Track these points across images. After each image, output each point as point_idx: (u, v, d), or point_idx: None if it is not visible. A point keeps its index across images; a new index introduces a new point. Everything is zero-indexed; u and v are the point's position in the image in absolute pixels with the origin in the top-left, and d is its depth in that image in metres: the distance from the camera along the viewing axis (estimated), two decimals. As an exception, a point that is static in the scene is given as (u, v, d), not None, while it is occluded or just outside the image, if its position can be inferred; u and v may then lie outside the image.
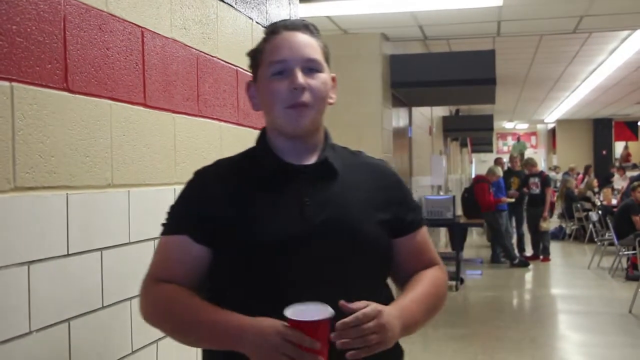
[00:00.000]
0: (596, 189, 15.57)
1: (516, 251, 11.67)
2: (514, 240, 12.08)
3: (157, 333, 1.67)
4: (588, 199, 14.96)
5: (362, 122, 7.10)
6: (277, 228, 1.53)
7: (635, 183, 10.51)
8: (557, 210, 16.26)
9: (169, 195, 2.26)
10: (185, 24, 2.49)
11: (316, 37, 1.65)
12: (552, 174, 17.41)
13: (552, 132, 26.35)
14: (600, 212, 12.53)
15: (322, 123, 1.66)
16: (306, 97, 1.56)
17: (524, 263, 11.25)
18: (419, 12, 6.77)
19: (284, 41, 1.60)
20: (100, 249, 1.99)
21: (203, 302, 1.51)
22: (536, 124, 26.24)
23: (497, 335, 6.71)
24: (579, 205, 14.58)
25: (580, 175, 18.62)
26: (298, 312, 1.35)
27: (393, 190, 1.69)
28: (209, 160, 1.74)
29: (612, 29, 8.51)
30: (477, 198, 11.01)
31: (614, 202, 13.43)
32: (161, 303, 1.55)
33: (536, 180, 11.77)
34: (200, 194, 1.61)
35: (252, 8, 3.08)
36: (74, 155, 1.87)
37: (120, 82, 2.08)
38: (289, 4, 3.52)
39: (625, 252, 9.50)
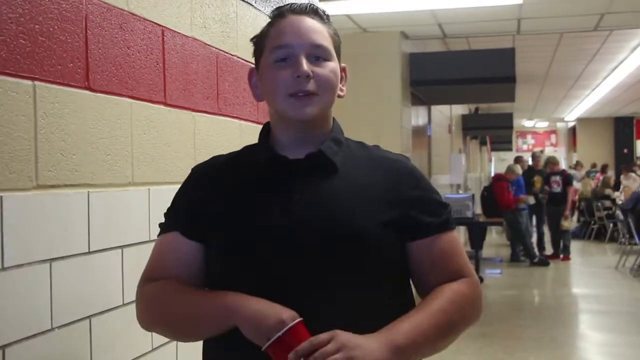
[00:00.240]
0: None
1: (536, 250, 11.60)
2: (534, 239, 12.02)
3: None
4: (607, 197, 14.81)
5: (381, 121, 7.10)
6: (261, 224, 1.43)
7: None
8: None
9: (189, 193, 2.26)
10: (205, 22, 2.50)
11: (326, 23, 1.52)
12: (572, 172, 17.22)
13: (573, 131, 26.14)
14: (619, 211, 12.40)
15: (331, 115, 1.55)
16: (311, 85, 1.43)
17: (544, 262, 11.18)
18: (438, 10, 6.75)
19: (290, 25, 1.47)
20: (121, 247, 2.00)
21: (194, 287, 1.47)
22: (556, 122, 26.02)
23: (517, 334, 6.67)
24: (599, 204, 14.46)
25: (598, 175, 18.42)
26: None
27: (406, 188, 1.51)
28: (228, 159, 1.74)
29: (634, 26, 8.42)
30: (496, 197, 10.96)
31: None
32: (152, 297, 1.49)
33: (558, 178, 11.70)
34: (192, 190, 1.56)
35: (272, 6, 3.08)
36: (95, 153, 1.88)
37: (141, 81, 2.10)
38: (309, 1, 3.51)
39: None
